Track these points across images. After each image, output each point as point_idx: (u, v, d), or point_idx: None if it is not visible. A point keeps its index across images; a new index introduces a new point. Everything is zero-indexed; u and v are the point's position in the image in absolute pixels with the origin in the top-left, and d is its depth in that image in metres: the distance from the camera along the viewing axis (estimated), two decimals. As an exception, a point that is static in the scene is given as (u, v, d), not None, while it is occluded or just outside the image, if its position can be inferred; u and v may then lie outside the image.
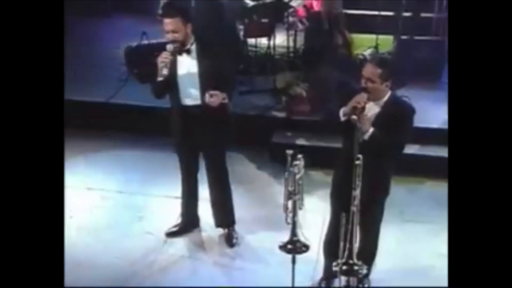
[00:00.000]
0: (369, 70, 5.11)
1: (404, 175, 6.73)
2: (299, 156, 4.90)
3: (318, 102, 8.02)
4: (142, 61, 8.31)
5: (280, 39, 9.26)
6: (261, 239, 6.41)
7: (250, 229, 6.58)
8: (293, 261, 5.00)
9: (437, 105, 7.77)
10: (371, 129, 5.05)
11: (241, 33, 8.93)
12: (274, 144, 7.75)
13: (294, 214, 4.90)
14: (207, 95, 5.78)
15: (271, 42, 9.01)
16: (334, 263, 4.91)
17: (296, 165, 4.87)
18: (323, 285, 5.80)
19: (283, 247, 4.96)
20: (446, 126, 6.91)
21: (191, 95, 5.94)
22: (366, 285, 5.61)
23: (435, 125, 7.62)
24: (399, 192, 6.30)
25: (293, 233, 4.92)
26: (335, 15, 8.69)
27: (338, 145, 5.47)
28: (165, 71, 5.72)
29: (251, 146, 7.82)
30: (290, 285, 5.13)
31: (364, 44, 8.96)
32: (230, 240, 6.42)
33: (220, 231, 6.50)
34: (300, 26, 8.94)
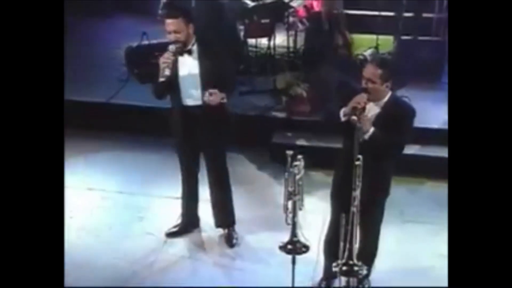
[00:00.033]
0: (369, 70, 5.11)
1: (404, 176, 6.74)
2: (299, 156, 4.90)
3: (318, 103, 8.02)
4: (143, 62, 8.34)
5: (280, 39, 9.25)
6: (261, 240, 6.40)
7: (250, 229, 6.58)
8: (293, 262, 5.01)
9: (437, 105, 7.77)
10: (372, 129, 5.05)
11: (242, 33, 8.93)
12: (274, 145, 7.75)
13: (294, 214, 4.90)
14: (206, 93, 5.78)
15: (271, 43, 9.00)
16: (334, 264, 4.91)
17: (296, 165, 4.87)
18: (323, 285, 5.79)
19: (283, 248, 4.97)
20: (446, 127, 6.91)
21: (192, 96, 5.94)
22: (366, 286, 5.61)
23: (435, 126, 7.62)
24: (399, 193, 6.30)
25: (293, 233, 4.92)
26: (335, 15, 8.69)
27: (339, 145, 5.47)
28: (167, 72, 5.72)
29: (251, 147, 7.82)
30: (290, 285, 5.13)
31: (364, 44, 8.96)
32: (230, 240, 6.42)
33: (220, 231, 6.50)
34: (300, 26, 8.95)
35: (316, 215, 6.19)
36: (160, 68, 5.75)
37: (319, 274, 5.83)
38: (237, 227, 6.48)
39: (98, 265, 6.12)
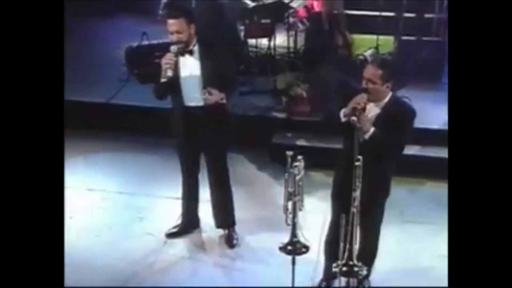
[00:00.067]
0: (370, 71, 5.11)
1: (404, 176, 6.73)
2: (299, 157, 4.89)
3: (319, 103, 8.02)
4: (143, 62, 8.34)
5: (281, 39, 9.25)
6: (261, 240, 6.40)
7: (251, 230, 6.57)
8: (293, 262, 5.00)
9: (438, 106, 7.76)
10: (372, 129, 5.05)
11: (242, 33, 8.93)
12: (274, 145, 7.75)
13: (294, 215, 4.90)
14: (205, 92, 5.77)
15: (272, 43, 9.00)
16: (334, 264, 4.91)
17: (296, 166, 4.86)
18: (323, 285, 5.79)
19: (283, 248, 4.96)
20: (446, 127, 6.90)
21: (193, 96, 5.92)
22: (366, 286, 5.61)
23: (435, 126, 7.61)
24: (400, 193, 6.30)
25: (293, 234, 4.92)
26: (335, 15, 8.69)
27: (339, 146, 5.46)
28: (169, 73, 5.71)
29: (251, 147, 7.82)
30: (290, 286, 5.13)
31: (365, 44, 8.96)
32: (230, 241, 6.42)
33: (220, 232, 6.49)
34: (300, 26, 8.94)
35: (316, 216, 6.19)
36: (162, 69, 5.74)
37: (319, 274, 5.83)
38: (237, 228, 6.48)
39: (98, 265, 6.12)
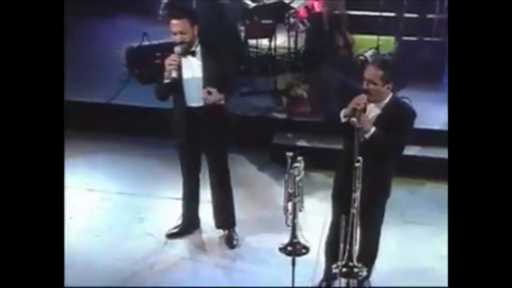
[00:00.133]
0: (370, 72, 5.11)
1: (404, 177, 6.73)
2: (299, 158, 4.89)
3: (319, 103, 8.02)
4: (143, 62, 8.35)
5: (281, 40, 9.25)
6: (262, 241, 6.40)
7: (251, 230, 6.57)
8: (293, 263, 5.00)
9: (438, 106, 7.75)
10: (373, 129, 5.05)
11: (242, 34, 8.93)
12: (275, 146, 7.74)
13: (294, 216, 4.90)
14: (205, 92, 5.77)
15: (272, 43, 9.01)
16: (334, 265, 4.91)
17: (296, 167, 4.86)
18: (323, 286, 5.79)
19: (283, 249, 4.96)
20: (447, 128, 6.90)
21: (195, 97, 5.91)
22: (366, 286, 5.61)
23: (435, 127, 7.61)
24: (400, 194, 6.29)
25: (293, 235, 4.92)
26: (336, 16, 8.69)
27: (339, 146, 5.46)
28: (174, 74, 5.70)
29: (251, 148, 7.82)
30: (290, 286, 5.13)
31: (365, 45, 8.97)
32: (230, 241, 6.42)
33: (221, 232, 6.49)
34: (301, 27, 8.95)
35: (316, 217, 6.19)
36: (165, 70, 5.73)
37: (319, 275, 5.83)
38: (238, 228, 6.48)
39: (98, 266, 6.12)
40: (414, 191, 7.26)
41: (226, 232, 6.47)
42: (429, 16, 9.03)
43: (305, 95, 8.22)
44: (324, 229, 5.81)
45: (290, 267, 5.01)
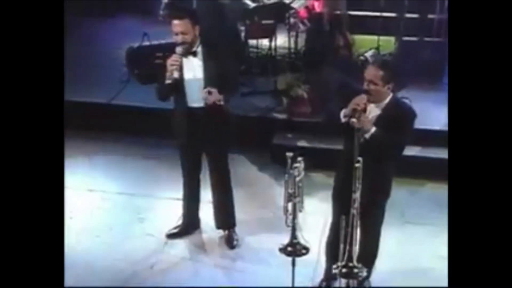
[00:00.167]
0: (371, 72, 5.11)
1: (404, 177, 6.73)
2: (299, 158, 4.89)
3: (319, 104, 8.01)
4: (144, 62, 8.35)
5: (282, 40, 9.25)
6: (262, 241, 6.39)
7: (251, 230, 6.57)
8: (293, 264, 5.00)
9: (438, 106, 7.75)
10: (373, 129, 5.05)
11: (243, 34, 8.93)
12: (275, 146, 7.74)
13: (294, 216, 4.89)
14: (205, 91, 5.77)
15: (273, 44, 9.01)
16: (334, 266, 4.91)
17: (296, 167, 4.86)
18: (323, 285, 5.78)
19: (283, 250, 4.96)
20: (447, 128, 6.89)
21: (197, 97, 5.91)
22: (366, 286, 5.60)
23: (436, 127, 7.61)
24: (400, 194, 6.29)
25: (293, 235, 4.92)
26: (337, 16, 8.69)
27: (339, 146, 5.46)
28: (176, 74, 5.71)
29: (252, 148, 7.81)
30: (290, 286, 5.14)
31: (366, 45, 8.97)
32: (230, 241, 6.42)
33: (221, 232, 6.49)
34: (301, 27, 8.95)
35: (316, 217, 6.19)
36: (167, 70, 5.73)
37: (319, 275, 5.82)
38: (237, 228, 6.48)
39: (98, 266, 6.12)
40: (414, 191, 7.26)
41: (226, 232, 6.46)
42: (430, 16, 9.03)
43: (305, 95, 8.22)
44: (324, 230, 5.80)
45: (290, 267, 5.01)
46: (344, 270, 4.82)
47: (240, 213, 6.52)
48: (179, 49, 5.76)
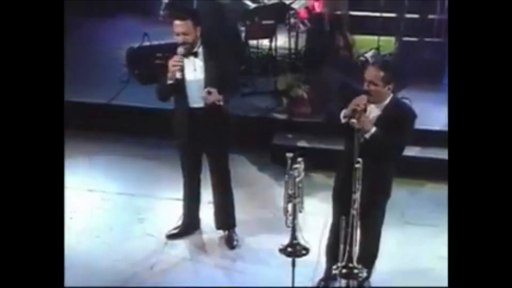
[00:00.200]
0: (371, 73, 5.11)
1: (404, 177, 6.72)
2: (299, 159, 4.89)
3: (319, 104, 8.01)
4: (144, 63, 8.35)
5: (282, 40, 9.24)
6: (262, 241, 6.39)
7: (251, 231, 6.57)
8: (293, 264, 5.00)
9: (438, 107, 7.74)
10: (373, 130, 5.05)
11: (243, 34, 8.93)
12: (275, 146, 7.74)
13: (294, 217, 4.90)
14: (204, 91, 5.77)
15: (273, 44, 9.01)
16: (334, 266, 4.91)
17: (296, 168, 4.86)
18: (322, 285, 5.78)
19: (283, 250, 4.96)
20: (447, 128, 6.89)
21: (198, 97, 5.90)
22: (366, 287, 5.60)
23: (436, 127, 7.60)
24: (400, 194, 6.29)
25: (293, 236, 4.92)
26: (337, 16, 8.69)
27: (340, 147, 5.46)
28: (178, 75, 5.71)
29: (252, 148, 7.81)
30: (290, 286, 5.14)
31: (366, 45, 8.97)
32: (230, 242, 6.41)
33: (221, 233, 6.49)
34: (301, 27, 8.96)
35: (316, 218, 6.18)
36: (168, 70, 5.73)
37: (319, 275, 5.82)
38: (238, 229, 6.48)
39: (98, 266, 6.12)
40: (414, 191, 7.25)
41: (226, 232, 6.46)
42: (430, 16, 9.03)
43: (305, 95, 8.22)
44: (324, 230, 5.80)
45: (290, 267, 5.01)
46: (344, 270, 4.83)
47: (240, 213, 6.52)
48: (180, 50, 5.76)
